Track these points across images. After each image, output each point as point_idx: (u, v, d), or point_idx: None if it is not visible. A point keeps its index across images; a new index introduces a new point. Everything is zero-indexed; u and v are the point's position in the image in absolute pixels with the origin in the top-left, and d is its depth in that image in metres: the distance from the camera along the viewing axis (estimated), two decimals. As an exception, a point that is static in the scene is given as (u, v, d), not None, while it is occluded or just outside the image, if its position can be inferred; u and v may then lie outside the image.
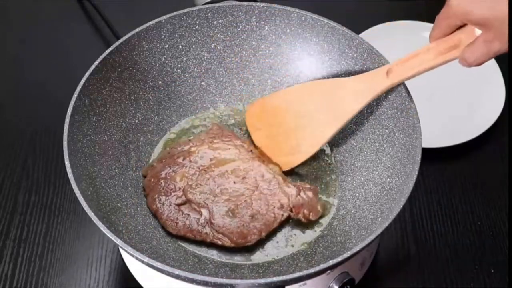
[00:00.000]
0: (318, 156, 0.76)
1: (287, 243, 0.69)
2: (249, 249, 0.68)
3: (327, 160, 0.76)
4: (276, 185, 0.69)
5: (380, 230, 0.59)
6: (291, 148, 0.72)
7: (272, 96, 0.76)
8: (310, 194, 0.69)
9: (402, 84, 0.68)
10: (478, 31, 0.61)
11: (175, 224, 0.68)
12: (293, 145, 0.72)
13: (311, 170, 0.75)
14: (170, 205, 0.68)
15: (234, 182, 0.69)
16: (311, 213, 0.68)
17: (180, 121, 0.78)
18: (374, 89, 0.64)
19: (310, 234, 0.70)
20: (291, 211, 0.68)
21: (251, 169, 0.70)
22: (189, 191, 0.68)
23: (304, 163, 0.73)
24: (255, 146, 0.74)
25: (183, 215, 0.68)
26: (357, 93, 0.64)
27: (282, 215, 0.68)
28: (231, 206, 0.68)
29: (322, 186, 0.73)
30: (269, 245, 0.69)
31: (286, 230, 0.70)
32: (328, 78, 0.76)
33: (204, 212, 0.67)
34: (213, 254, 0.68)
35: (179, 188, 0.69)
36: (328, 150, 0.76)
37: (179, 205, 0.68)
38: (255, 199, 0.68)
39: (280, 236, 0.69)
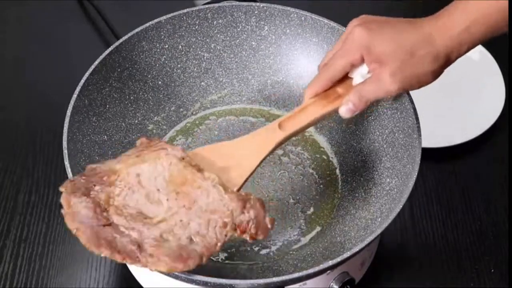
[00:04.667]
0: (318, 156, 0.76)
1: (287, 243, 0.69)
2: (249, 249, 0.68)
3: (327, 160, 0.76)
4: (217, 196, 0.58)
5: (380, 230, 0.59)
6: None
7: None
8: (257, 206, 0.58)
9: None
10: (356, 82, 0.63)
11: (98, 242, 0.55)
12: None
13: (311, 171, 0.75)
14: (93, 224, 0.56)
15: (167, 200, 0.58)
16: (258, 232, 0.57)
17: (180, 121, 0.78)
18: (268, 145, 0.63)
19: (310, 234, 0.70)
20: (235, 229, 0.57)
21: (185, 181, 0.58)
22: (115, 214, 0.57)
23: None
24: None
25: (110, 235, 0.55)
26: (253, 151, 0.63)
27: (226, 235, 0.57)
28: (166, 228, 0.56)
29: (322, 186, 0.73)
30: (269, 245, 0.69)
31: (285, 230, 0.70)
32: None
33: (135, 235, 0.56)
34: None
35: (104, 209, 0.57)
36: (328, 150, 0.76)
37: (104, 225, 0.56)
38: (193, 217, 0.57)
39: (280, 236, 0.69)
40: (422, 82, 0.60)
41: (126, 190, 0.58)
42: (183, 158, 0.60)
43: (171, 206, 0.58)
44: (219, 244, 0.57)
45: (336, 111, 0.64)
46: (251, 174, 0.62)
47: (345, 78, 0.64)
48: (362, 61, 0.62)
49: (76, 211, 0.57)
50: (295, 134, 0.65)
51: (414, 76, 0.60)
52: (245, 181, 0.61)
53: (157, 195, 0.58)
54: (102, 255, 0.54)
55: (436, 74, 0.60)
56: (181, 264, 0.55)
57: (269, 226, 0.59)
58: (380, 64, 0.60)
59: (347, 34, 0.63)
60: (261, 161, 0.63)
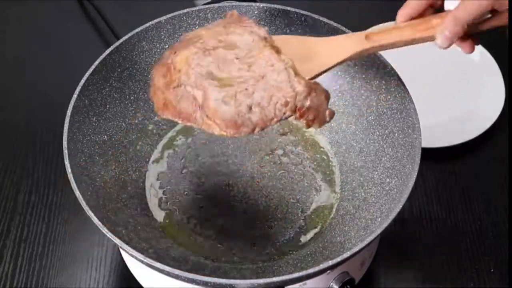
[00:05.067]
0: (318, 156, 0.76)
1: (287, 243, 0.69)
2: (249, 249, 0.68)
3: (327, 161, 0.76)
4: (286, 77, 0.58)
5: (380, 230, 0.59)
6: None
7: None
8: (322, 97, 0.59)
9: (401, 84, 0.68)
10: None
11: (164, 105, 0.58)
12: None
13: (310, 171, 0.75)
14: (164, 87, 0.59)
15: (239, 69, 0.59)
16: (315, 120, 0.59)
17: (180, 121, 0.78)
18: (352, 47, 0.63)
19: (310, 234, 0.70)
20: (295, 111, 0.58)
21: (261, 57, 0.60)
22: (185, 74, 0.59)
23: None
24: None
25: (175, 97, 0.58)
26: (332, 52, 0.63)
27: (284, 113, 0.58)
28: (230, 92, 0.58)
29: (322, 186, 0.73)
30: (268, 245, 0.69)
31: (285, 230, 0.70)
32: (327, 78, 0.76)
33: (198, 95, 0.57)
34: (212, 254, 0.68)
35: (178, 70, 0.59)
36: (328, 150, 0.76)
37: (174, 87, 0.59)
38: (258, 89, 0.58)
39: (280, 236, 0.69)
40: None
41: (203, 51, 0.60)
42: (265, 38, 0.61)
43: (241, 75, 0.59)
44: (275, 119, 0.58)
45: (429, 39, 0.62)
46: (326, 70, 0.62)
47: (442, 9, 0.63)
48: None
49: (156, 77, 0.60)
50: (380, 48, 0.64)
51: None
52: (317, 75, 0.62)
53: (231, 61, 0.60)
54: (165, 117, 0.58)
55: None
56: (233, 130, 0.57)
57: (327, 118, 0.60)
58: None
59: None
60: (338, 63, 0.63)
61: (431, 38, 0.62)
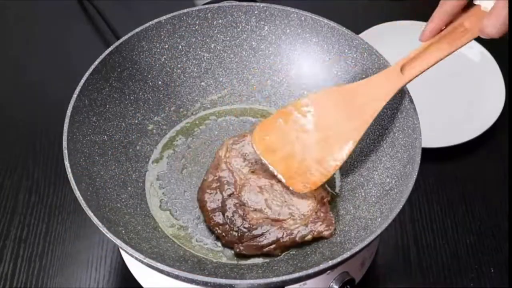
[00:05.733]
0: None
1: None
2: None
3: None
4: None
5: (380, 231, 0.59)
6: (315, 164, 0.67)
7: (277, 115, 0.70)
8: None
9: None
10: (486, 7, 0.58)
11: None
12: (315, 159, 0.67)
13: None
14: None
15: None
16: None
17: (180, 121, 0.78)
18: (392, 88, 0.63)
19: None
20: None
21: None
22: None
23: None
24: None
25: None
26: (377, 95, 0.63)
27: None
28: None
29: (322, 186, 0.73)
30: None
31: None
32: (328, 78, 0.76)
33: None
34: (212, 254, 0.68)
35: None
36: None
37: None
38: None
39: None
40: None
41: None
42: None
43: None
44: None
45: (466, 43, 0.61)
46: (367, 127, 0.65)
47: (469, 7, 0.60)
48: None
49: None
50: (418, 75, 0.63)
51: None
52: (367, 128, 0.64)
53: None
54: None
55: None
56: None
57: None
58: None
59: None
60: (383, 107, 0.63)
61: (468, 41, 0.60)
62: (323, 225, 0.67)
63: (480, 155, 0.86)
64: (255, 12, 0.77)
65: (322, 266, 0.57)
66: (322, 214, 0.68)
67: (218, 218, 0.68)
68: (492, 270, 0.76)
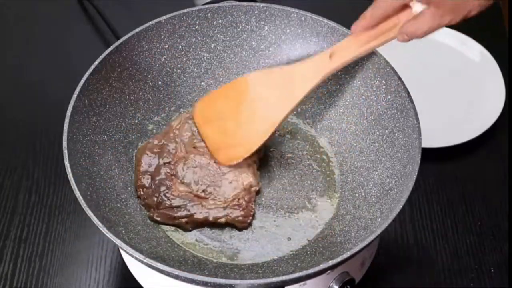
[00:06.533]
0: (318, 157, 0.76)
1: (287, 243, 0.69)
2: (249, 249, 0.68)
3: (327, 161, 0.76)
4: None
5: (380, 231, 0.59)
6: (241, 139, 0.71)
7: (222, 88, 0.74)
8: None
9: (401, 84, 0.68)
10: (416, 11, 0.61)
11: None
12: (242, 135, 0.71)
13: (310, 171, 0.75)
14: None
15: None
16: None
17: (180, 121, 0.78)
18: (319, 73, 0.67)
19: (310, 234, 0.70)
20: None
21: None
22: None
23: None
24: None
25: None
26: (303, 78, 0.67)
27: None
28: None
29: (322, 186, 0.73)
30: (268, 245, 0.69)
31: (285, 230, 0.70)
32: (327, 78, 0.76)
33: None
34: (212, 254, 0.68)
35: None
36: (328, 150, 0.76)
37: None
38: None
39: (280, 236, 0.69)
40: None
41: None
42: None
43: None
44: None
45: (392, 39, 0.64)
46: (296, 106, 0.68)
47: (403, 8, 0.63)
48: None
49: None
50: (346, 63, 0.66)
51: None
52: (288, 114, 0.68)
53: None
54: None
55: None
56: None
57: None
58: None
59: None
60: (309, 92, 0.67)
61: (394, 38, 0.64)
62: (240, 212, 0.69)
63: (480, 155, 0.86)
64: (255, 12, 0.77)
65: (322, 266, 0.57)
66: (243, 202, 0.69)
67: (146, 180, 0.70)
68: (492, 270, 0.76)
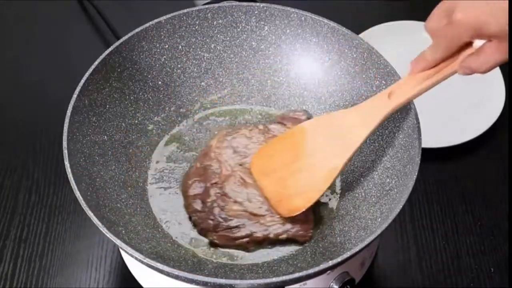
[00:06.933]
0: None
1: (287, 243, 0.69)
2: (249, 249, 0.68)
3: (327, 160, 0.76)
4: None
5: (380, 231, 0.59)
6: (301, 189, 0.68)
7: (276, 140, 0.72)
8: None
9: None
10: (478, 43, 0.57)
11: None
12: (302, 185, 0.68)
13: (311, 170, 0.75)
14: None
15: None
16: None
17: (180, 121, 0.78)
18: (378, 115, 0.64)
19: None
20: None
21: None
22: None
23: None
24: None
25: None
26: (363, 121, 0.65)
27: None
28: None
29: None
30: (268, 245, 0.69)
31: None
32: (328, 78, 0.76)
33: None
34: (212, 254, 0.68)
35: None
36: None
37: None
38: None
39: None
40: None
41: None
42: None
43: None
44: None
45: (452, 74, 0.61)
46: (356, 151, 0.65)
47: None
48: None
49: None
50: (405, 103, 0.64)
51: None
52: (355, 152, 0.65)
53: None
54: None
55: None
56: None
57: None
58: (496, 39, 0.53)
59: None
60: (370, 133, 0.64)
61: (455, 73, 0.60)
62: (301, 227, 0.67)
63: (480, 155, 0.86)
64: (255, 12, 0.77)
65: (322, 266, 0.57)
66: (302, 216, 0.68)
67: (197, 205, 0.69)
68: (492, 270, 0.76)
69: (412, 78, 0.62)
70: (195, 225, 0.69)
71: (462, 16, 0.53)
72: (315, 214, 0.70)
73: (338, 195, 0.73)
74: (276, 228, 0.67)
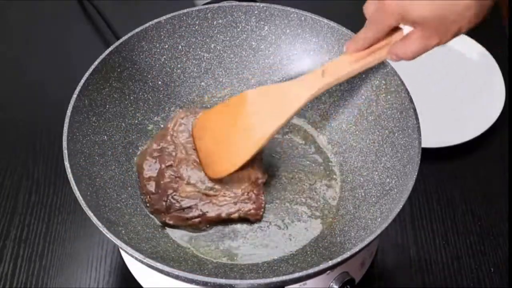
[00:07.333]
0: (318, 156, 0.76)
1: (287, 243, 0.69)
2: (249, 249, 0.68)
3: (327, 161, 0.76)
4: None
5: (380, 231, 0.59)
6: (230, 153, 0.70)
7: (218, 106, 0.74)
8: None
9: (401, 84, 0.68)
10: (407, 30, 0.61)
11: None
12: (232, 149, 0.70)
13: (310, 170, 0.75)
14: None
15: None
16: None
17: (180, 121, 0.78)
18: (310, 90, 0.67)
19: (310, 234, 0.70)
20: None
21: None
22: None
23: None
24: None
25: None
26: (296, 95, 0.67)
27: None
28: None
29: (321, 186, 0.73)
30: (268, 245, 0.69)
31: (285, 230, 0.70)
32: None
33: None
34: (212, 254, 0.68)
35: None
36: (327, 150, 0.76)
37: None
38: None
39: (279, 236, 0.69)
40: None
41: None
42: None
43: None
44: None
45: (384, 59, 0.65)
46: (284, 123, 0.67)
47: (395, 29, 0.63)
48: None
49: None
50: (338, 80, 0.66)
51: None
52: (276, 131, 0.67)
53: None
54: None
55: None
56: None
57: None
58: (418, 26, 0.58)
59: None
60: (300, 107, 0.67)
61: (386, 57, 0.64)
62: (252, 206, 0.69)
63: (480, 155, 0.86)
64: (255, 12, 0.77)
65: (322, 266, 0.57)
66: (253, 196, 0.70)
67: (151, 187, 0.70)
68: (492, 270, 0.76)
69: (345, 58, 0.66)
70: (147, 206, 0.70)
71: (389, 1, 0.57)
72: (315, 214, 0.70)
73: (338, 195, 0.73)
74: (228, 208, 0.69)
